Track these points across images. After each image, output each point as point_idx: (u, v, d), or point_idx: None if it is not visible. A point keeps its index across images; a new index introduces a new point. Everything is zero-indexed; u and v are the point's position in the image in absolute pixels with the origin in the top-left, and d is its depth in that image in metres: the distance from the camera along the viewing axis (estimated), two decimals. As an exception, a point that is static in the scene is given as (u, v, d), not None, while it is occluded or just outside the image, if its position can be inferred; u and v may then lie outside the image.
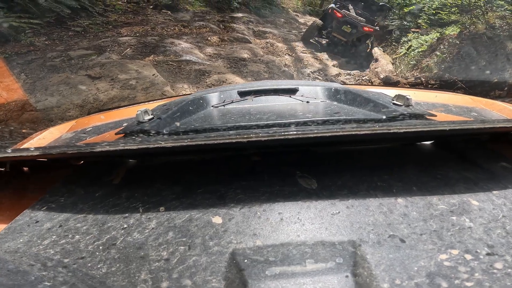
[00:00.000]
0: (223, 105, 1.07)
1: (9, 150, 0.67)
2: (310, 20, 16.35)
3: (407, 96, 0.95)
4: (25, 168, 0.85)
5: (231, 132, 0.69)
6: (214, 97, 1.13)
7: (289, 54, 6.07)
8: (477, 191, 0.65)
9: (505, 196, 0.63)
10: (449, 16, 6.03)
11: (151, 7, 6.78)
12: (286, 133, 0.60)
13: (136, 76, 3.81)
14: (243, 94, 1.15)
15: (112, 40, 4.92)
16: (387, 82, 5.45)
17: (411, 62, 5.67)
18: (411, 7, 7.67)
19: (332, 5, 7.24)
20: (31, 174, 0.85)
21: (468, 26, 4.87)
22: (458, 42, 4.87)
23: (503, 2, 5.61)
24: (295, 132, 0.60)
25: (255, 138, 0.59)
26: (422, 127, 0.64)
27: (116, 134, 0.89)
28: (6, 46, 4.42)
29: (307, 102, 1.06)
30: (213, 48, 5.26)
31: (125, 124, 1.03)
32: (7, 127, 2.84)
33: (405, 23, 8.09)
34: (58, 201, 0.69)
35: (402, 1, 8.45)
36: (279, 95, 1.13)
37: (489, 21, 4.58)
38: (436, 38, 5.64)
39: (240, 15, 8.42)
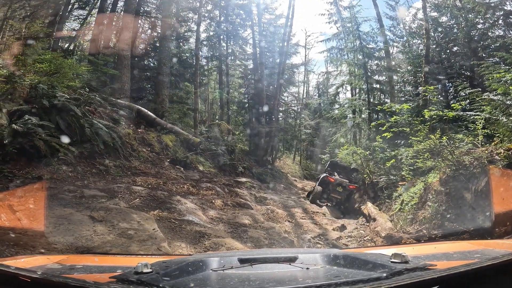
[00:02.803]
0: (223, 270, 1.04)
1: None
2: (307, 184, 17.70)
3: (402, 254, 0.99)
4: None
5: None
6: (214, 261, 1.13)
7: (289, 221, 6.09)
8: None
9: None
10: (425, 163, 6.48)
11: (168, 160, 7.55)
12: None
13: (136, 227, 3.75)
14: (243, 261, 1.14)
15: (126, 187, 5.15)
16: (390, 239, 5.20)
17: (408, 217, 5.60)
18: (392, 161, 8.48)
19: (325, 174, 9.57)
20: None
21: (444, 170, 5.14)
22: (442, 189, 5.01)
23: (461, 136, 6.11)
24: None
25: None
26: (421, 277, 0.67)
27: (110, 278, 0.88)
28: (35, 166, 4.58)
29: (307, 268, 1.04)
30: (216, 212, 5.32)
31: (119, 271, 1.00)
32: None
33: (391, 177, 8.66)
34: None
35: (384, 156, 9.37)
36: (279, 263, 1.13)
37: (459, 160, 4.84)
38: (422, 188, 5.85)
39: (243, 179, 9.15)
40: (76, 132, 5.69)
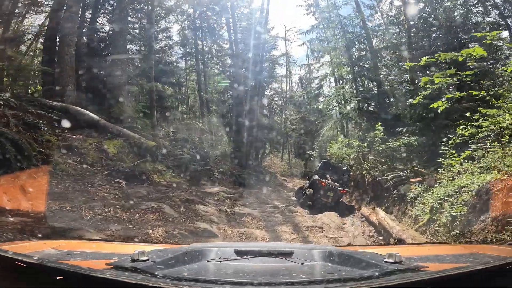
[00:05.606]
0: (219, 261, 1.03)
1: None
2: (297, 183, 15.67)
3: (396, 254, 0.96)
4: None
5: (226, 286, 0.74)
6: (211, 252, 1.12)
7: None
8: None
9: None
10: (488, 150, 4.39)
11: (106, 172, 5.25)
12: None
13: None
14: (239, 253, 1.11)
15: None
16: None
17: (453, 232, 3.48)
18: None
19: (316, 176, 8.62)
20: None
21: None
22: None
23: None
24: None
25: None
26: (412, 278, 0.70)
27: (106, 264, 0.86)
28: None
29: (302, 264, 1.03)
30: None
31: (116, 258, 0.97)
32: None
33: (400, 173, 6.61)
34: None
35: (386, 147, 7.32)
36: (275, 256, 1.10)
37: None
38: (475, 190, 3.69)
39: (216, 189, 6.92)
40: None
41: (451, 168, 4.91)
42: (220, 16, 19.32)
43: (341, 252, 1.13)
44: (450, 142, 5.16)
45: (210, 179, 8.46)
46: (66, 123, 6.76)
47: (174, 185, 6.35)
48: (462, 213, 3.51)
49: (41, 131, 5.82)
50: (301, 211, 7.18)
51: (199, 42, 19.46)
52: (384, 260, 0.97)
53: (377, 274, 0.82)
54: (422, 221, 4.52)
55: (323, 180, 8.33)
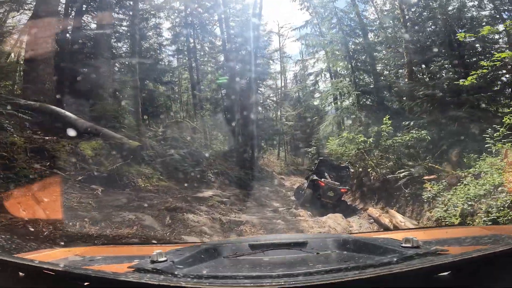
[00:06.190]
0: (235, 257, 1.04)
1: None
2: (295, 181, 15.00)
3: (414, 238, 0.93)
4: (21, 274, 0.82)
5: (245, 280, 0.74)
6: (226, 248, 1.12)
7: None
8: None
9: None
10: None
11: (80, 178, 4.47)
12: (295, 282, 0.64)
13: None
14: (254, 247, 1.11)
15: None
16: None
17: None
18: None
19: (315, 176, 8.16)
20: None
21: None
22: None
23: None
24: (304, 280, 0.65)
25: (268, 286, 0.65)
26: (433, 262, 0.68)
27: (128, 267, 0.87)
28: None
29: (317, 253, 1.02)
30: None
31: (136, 261, 0.97)
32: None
33: (412, 170, 5.94)
34: None
35: (394, 141, 6.65)
36: (289, 248, 1.09)
37: None
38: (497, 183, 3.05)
39: (210, 193, 6.17)
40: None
41: (474, 165, 4.26)
42: (212, 12, 18.55)
43: (356, 240, 1.11)
44: (496, 134, 4.46)
45: (203, 181, 7.71)
46: (38, 124, 5.99)
47: (162, 190, 5.59)
48: (510, 218, 2.86)
49: (6, 132, 5.04)
50: (304, 214, 6.49)
51: (191, 40, 18.75)
52: (401, 245, 0.93)
53: (395, 259, 0.79)
54: (447, 223, 3.85)
55: (322, 179, 7.95)
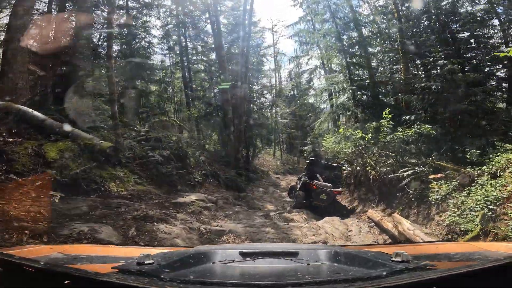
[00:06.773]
0: (225, 263, 0.99)
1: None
2: (291, 180, 14.41)
3: (404, 253, 0.92)
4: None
5: None
6: (216, 254, 1.09)
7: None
8: None
9: None
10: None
11: (38, 183, 3.79)
12: None
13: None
14: (245, 255, 1.08)
15: None
16: None
17: None
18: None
19: (306, 178, 7.74)
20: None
21: None
22: None
23: None
24: None
25: None
26: (421, 277, 0.66)
27: (112, 268, 0.83)
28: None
29: (308, 264, 0.99)
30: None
31: (122, 262, 0.94)
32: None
33: (417, 169, 5.33)
34: None
35: (395, 137, 6.08)
36: (280, 258, 1.07)
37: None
38: None
39: (192, 197, 5.47)
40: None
41: (491, 162, 3.67)
42: (203, 9, 17.90)
43: (347, 252, 1.12)
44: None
45: (189, 183, 7.06)
46: (5, 125, 5.33)
47: (137, 195, 4.92)
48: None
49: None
50: (298, 218, 5.87)
51: (183, 38, 18.12)
52: (391, 259, 0.93)
53: (385, 273, 0.80)
54: (462, 229, 3.25)
55: (314, 182, 7.54)
